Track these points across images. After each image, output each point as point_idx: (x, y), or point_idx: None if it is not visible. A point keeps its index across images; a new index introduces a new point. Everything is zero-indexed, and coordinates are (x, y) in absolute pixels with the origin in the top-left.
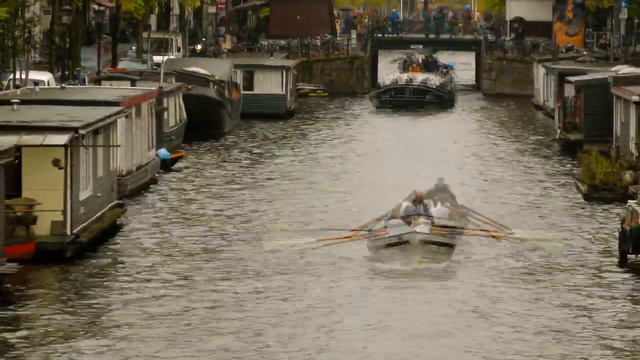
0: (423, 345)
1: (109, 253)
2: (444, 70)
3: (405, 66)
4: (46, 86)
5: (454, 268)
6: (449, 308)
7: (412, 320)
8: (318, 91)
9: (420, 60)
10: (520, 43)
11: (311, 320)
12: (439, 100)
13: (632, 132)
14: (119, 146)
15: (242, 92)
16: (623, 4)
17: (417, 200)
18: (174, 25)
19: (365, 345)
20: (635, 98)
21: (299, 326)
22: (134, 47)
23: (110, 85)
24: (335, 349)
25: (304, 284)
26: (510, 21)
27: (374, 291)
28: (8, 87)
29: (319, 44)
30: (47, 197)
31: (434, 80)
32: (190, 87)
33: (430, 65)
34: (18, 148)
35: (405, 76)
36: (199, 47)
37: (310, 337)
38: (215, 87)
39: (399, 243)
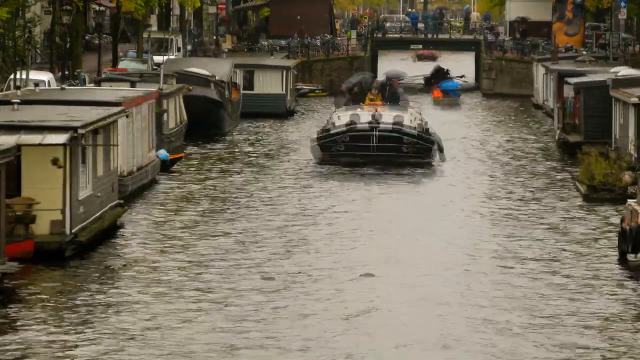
0: None
1: (108, 253)
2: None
3: (356, 94)
4: (47, 86)
5: None
6: None
7: None
8: (317, 91)
9: (377, 89)
10: (520, 43)
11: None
12: (419, 153)
13: (631, 133)
14: (117, 145)
15: (243, 91)
16: (622, 4)
17: None
18: (174, 25)
19: None
20: (634, 100)
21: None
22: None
23: (110, 86)
24: None
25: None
26: (511, 22)
27: None
28: (9, 88)
29: (319, 44)
30: (46, 196)
31: (412, 120)
32: (191, 88)
33: (395, 95)
34: (18, 147)
35: (366, 114)
36: (188, 47)
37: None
38: (216, 87)
39: None
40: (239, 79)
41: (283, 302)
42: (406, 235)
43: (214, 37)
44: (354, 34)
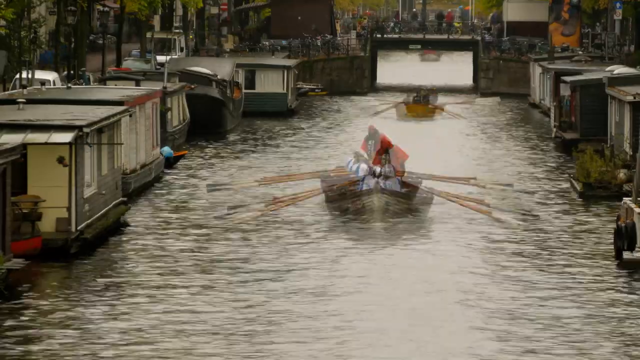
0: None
1: (113, 250)
2: None
3: None
4: (52, 86)
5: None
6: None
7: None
8: (317, 90)
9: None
10: (517, 43)
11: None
12: None
13: (627, 131)
14: (122, 144)
15: (244, 90)
16: (617, 4)
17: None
18: (176, 25)
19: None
20: (629, 98)
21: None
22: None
23: (115, 85)
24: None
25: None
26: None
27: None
28: (15, 87)
29: (319, 44)
30: (51, 194)
31: None
32: (193, 86)
33: None
34: (24, 146)
35: None
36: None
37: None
38: (218, 86)
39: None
40: (241, 78)
41: (288, 299)
42: (400, 231)
43: (216, 38)
44: (353, 34)
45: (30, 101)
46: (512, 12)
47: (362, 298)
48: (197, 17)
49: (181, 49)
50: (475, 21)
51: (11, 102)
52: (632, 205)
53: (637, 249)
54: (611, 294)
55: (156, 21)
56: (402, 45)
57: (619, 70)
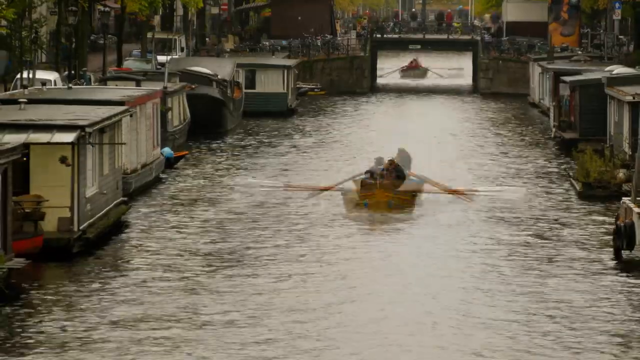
0: None
1: (113, 249)
2: None
3: None
4: (53, 86)
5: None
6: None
7: None
8: (316, 90)
9: None
10: (516, 43)
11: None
12: None
13: (626, 131)
14: (124, 144)
15: (245, 90)
16: (617, 5)
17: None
18: (177, 25)
19: None
20: (628, 98)
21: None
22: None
23: (116, 85)
24: None
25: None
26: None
27: None
28: (16, 87)
29: (319, 44)
30: (54, 194)
31: None
32: (193, 86)
33: None
34: (26, 146)
35: None
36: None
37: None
38: (218, 86)
39: None
40: (241, 78)
41: (288, 297)
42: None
43: (217, 38)
44: (353, 34)
45: (32, 101)
46: (512, 12)
47: None
48: (198, 17)
49: (181, 49)
50: (476, 21)
51: (13, 102)
52: (631, 205)
53: (636, 248)
54: (610, 293)
55: (157, 21)
56: (401, 45)
57: (618, 70)
